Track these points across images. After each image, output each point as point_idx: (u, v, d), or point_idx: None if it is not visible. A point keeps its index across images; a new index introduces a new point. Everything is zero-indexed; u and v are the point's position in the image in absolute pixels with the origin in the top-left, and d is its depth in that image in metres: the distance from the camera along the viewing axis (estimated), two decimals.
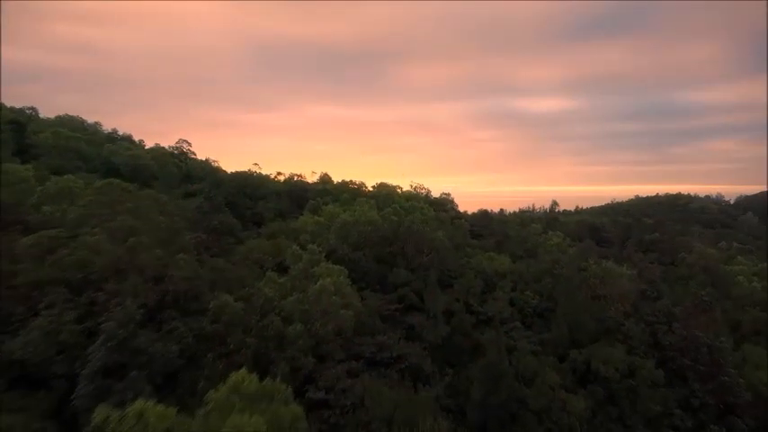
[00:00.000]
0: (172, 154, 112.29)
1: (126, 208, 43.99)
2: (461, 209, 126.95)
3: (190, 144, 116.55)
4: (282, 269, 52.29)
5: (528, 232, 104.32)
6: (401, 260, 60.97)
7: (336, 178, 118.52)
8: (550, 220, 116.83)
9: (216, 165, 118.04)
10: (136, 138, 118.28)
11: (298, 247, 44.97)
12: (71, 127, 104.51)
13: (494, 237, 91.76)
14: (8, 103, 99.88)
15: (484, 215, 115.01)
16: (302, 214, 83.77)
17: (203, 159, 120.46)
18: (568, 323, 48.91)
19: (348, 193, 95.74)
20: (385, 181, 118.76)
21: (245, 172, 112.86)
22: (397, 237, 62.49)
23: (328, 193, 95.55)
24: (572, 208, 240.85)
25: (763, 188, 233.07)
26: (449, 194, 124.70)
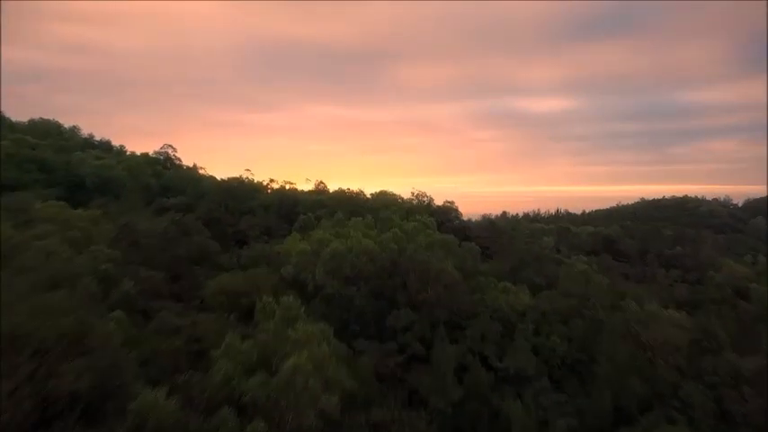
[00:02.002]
0: (156, 160, 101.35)
1: (44, 246, 33.02)
2: (462, 209, 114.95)
3: (175, 149, 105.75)
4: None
5: (539, 247, 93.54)
6: (402, 295, 50.03)
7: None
8: (561, 230, 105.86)
9: (203, 172, 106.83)
10: (132, 139, 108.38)
11: (271, 299, 33.98)
12: (44, 132, 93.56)
13: (504, 254, 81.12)
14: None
15: (490, 226, 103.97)
16: (292, 231, 73.07)
17: (190, 166, 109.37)
18: (611, 386, 38.01)
19: (343, 206, 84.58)
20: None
21: (234, 179, 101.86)
22: (397, 267, 51.54)
23: (322, 204, 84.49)
24: (575, 209, 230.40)
25: (763, 188, 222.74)
26: (452, 202, 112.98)
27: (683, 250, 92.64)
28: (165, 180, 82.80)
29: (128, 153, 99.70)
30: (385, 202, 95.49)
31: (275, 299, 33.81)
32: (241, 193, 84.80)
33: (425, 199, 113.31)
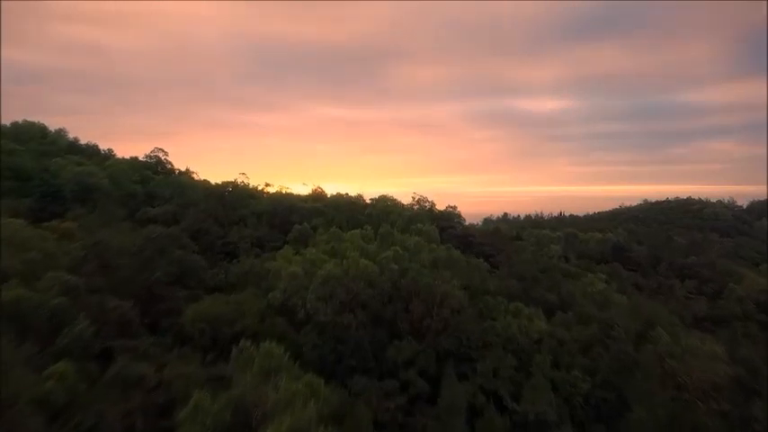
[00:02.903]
0: (145, 165, 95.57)
1: None
2: (462, 210, 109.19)
3: (166, 153, 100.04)
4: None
5: (547, 256, 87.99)
6: (404, 322, 44.36)
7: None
8: (568, 237, 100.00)
9: (196, 176, 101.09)
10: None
11: (249, 342, 28.21)
12: (27, 136, 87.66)
13: (511, 264, 75.58)
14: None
15: (495, 233, 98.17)
16: (286, 242, 67.38)
17: (182, 170, 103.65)
18: None
19: (341, 214, 78.94)
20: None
21: (228, 184, 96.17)
22: (398, 289, 45.86)
23: (319, 213, 78.67)
24: (577, 210, 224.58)
25: (763, 188, 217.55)
26: (454, 207, 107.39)
27: (698, 259, 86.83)
28: (151, 187, 76.80)
29: (117, 157, 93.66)
30: (385, 209, 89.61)
31: (254, 344, 28.00)
32: (232, 201, 79.01)
33: (427, 204, 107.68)
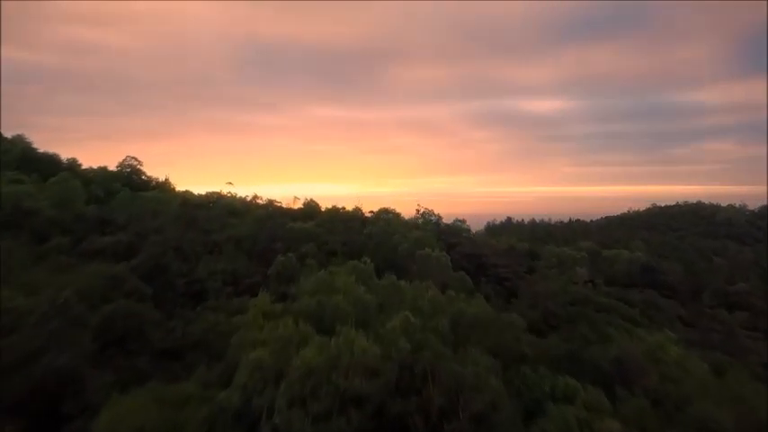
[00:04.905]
0: (116, 176, 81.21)
1: None
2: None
3: (140, 162, 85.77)
4: None
5: (570, 279, 74.02)
6: (417, 419, 30.16)
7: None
8: (592, 255, 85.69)
9: (174, 187, 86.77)
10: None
11: None
12: None
13: (533, 296, 61.88)
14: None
15: (510, 252, 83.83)
16: (267, 277, 53.29)
17: (160, 180, 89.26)
18: None
19: (335, 235, 64.63)
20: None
21: (212, 195, 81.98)
22: (408, 369, 31.64)
23: (309, 237, 64.21)
24: (579, 212, 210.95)
25: (763, 188, 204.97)
26: (463, 221, 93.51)
27: (746, 285, 72.63)
28: (109, 208, 61.94)
29: (80, 169, 79.11)
30: (387, 226, 75.34)
31: None
32: (208, 221, 64.55)
33: (432, 217, 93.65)
